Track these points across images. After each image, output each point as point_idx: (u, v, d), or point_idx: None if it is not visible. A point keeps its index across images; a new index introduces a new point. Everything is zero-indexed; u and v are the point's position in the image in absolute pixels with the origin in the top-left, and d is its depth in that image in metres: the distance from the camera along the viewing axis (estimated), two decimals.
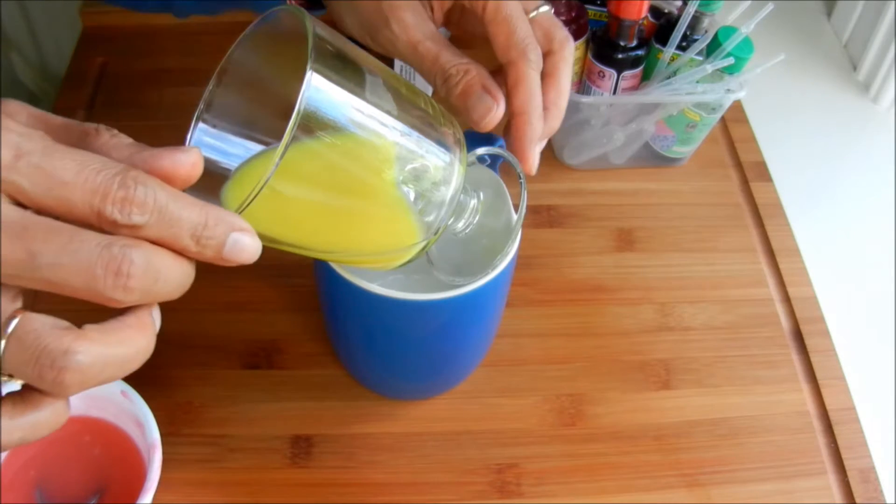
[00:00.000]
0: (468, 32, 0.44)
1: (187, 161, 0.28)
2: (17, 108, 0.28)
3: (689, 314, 0.58)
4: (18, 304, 0.27)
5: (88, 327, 0.27)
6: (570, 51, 0.41)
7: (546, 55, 0.41)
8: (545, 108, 0.40)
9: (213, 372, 0.52)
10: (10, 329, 0.26)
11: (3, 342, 0.26)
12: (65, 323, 0.27)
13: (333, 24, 0.44)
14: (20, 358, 0.26)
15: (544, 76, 0.41)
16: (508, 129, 0.40)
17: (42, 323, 0.26)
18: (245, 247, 0.28)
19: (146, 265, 0.26)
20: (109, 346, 0.27)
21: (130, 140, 0.29)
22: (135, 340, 0.29)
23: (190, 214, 0.27)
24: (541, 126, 0.40)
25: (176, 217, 0.27)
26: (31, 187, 0.25)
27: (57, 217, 0.26)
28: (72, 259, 0.25)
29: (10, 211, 0.25)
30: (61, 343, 0.26)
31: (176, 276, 0.28)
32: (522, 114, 0.39)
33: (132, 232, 0.26)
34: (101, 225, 0.26)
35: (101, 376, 0.27)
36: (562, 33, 0.41)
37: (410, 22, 0.40)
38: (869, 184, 0.73)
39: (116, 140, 0.28)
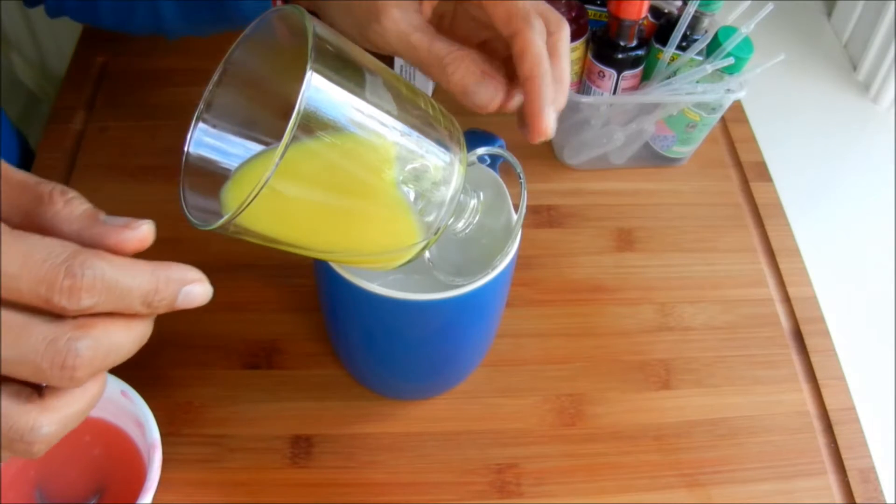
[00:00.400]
0: (461, 35, 0.45)
1: (134, 238, 0.28)
2: None
3: (689, 314, 0.58)
4: None
5: (48, 395, 0.28)
6: (566, 32, 0.41)
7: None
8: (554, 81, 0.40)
9: (213, 372, 0.52)
10: None
11: None
12: (26, 391, 0.28)
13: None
14: None
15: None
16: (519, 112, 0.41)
17: (6, 399, 0.27)
18: (196, 296, 0.30)
19: (93, 351, 0.27)
20: (71, 406, 0.29)
21: (84, 209, 0.29)
22: (91, 390, 0.30)
23: (140, 284, 0.28)
24: (552, 89, 0.39)
25: (126, 290, 0.27)
26: None
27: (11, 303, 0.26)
28: (18, 355, 0.26)
29: None
30: (27, 420, 0.27)
31: (130, 342, 0.29)
32: (533, 78, 0.39)
33: (83, 311, 0.27)
34: (51, 310, 0.27)
35: (68, 428, 0.29)
36: (556, 15, 0.41)
37: (399, 16, 0.40)
38: (869, 184, 0.73)
39: (68, 211, 0.28)
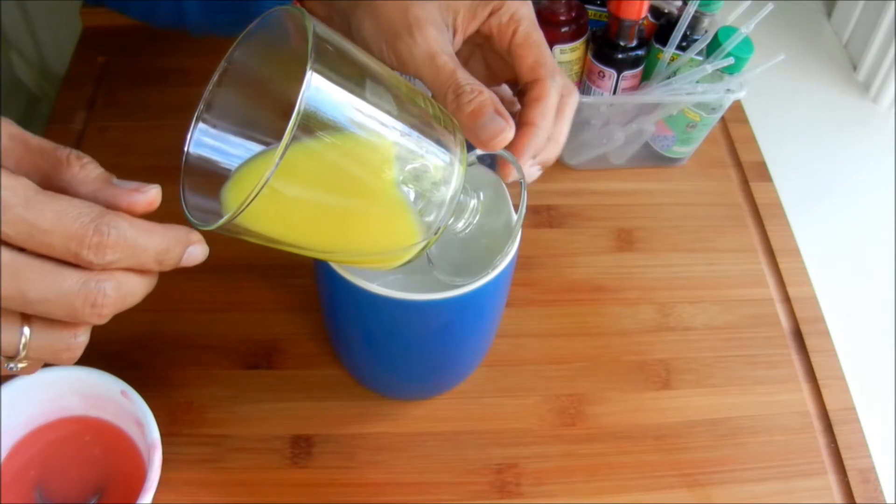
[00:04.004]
0: (484, 70, 0.45)
1: (144, 200, 0.32)
2: None
3: (689, 314, 0.58)
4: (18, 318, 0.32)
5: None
6: (576, 100, 0.43)
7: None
8: (549, 138, 0.41)
9: (213, 372, 0.52)
10: (25, 333, 0.32)
11: (27, 331, 0.32)
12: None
13: (346, 31, 0.44)
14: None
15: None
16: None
17: (43, 324, 0.32)
18: (196, 256, 0.34)
19: (117, 292, 0.31)
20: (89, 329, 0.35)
21: (98, 172, 0.32)
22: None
23: (156, 244, 0.32)
24: (544, 143, 0.41)
25: (143, 248, 0.31)
26: (16, 235, 0.29)
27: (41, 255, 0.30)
28: (55, 295, 0.30)
29: (4, 254, 0.29)
30: (69, 331, 0.33)
31: (142, 290, 0.33)
32: (531, 125, 0.40)
33: (106, 266, 0.31)
34: (78, 264, 0.30)
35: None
36: (571, 83, 0.43)
37: (434, 34, 0.40)
38: (869, 184, 0.73)
39: (84, 174, 0.32)
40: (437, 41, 0.40)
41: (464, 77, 0.39)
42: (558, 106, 0.42)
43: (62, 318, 0.31)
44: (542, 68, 0.41)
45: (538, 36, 0.42)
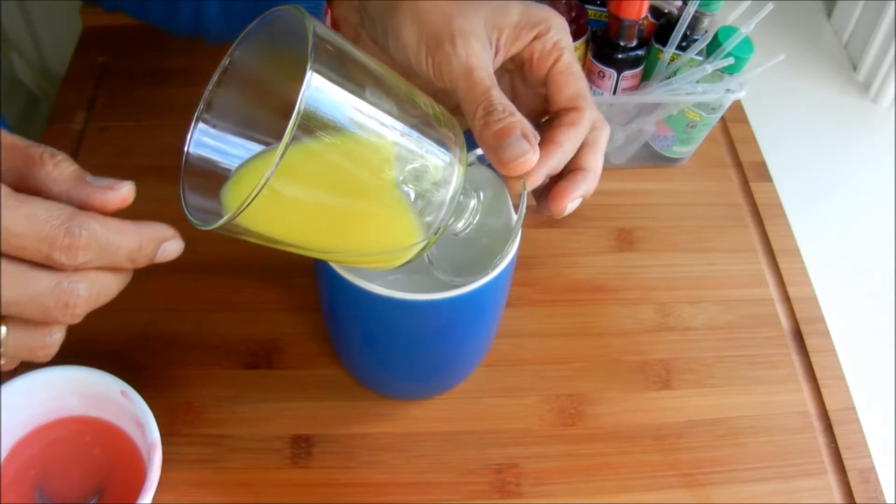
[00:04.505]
0: (509, 97, 0.45)
1: (116, 197, 0.32)
2: None
3: (689, 314, 0.58)
4: None
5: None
6: (608, 132, 0.43)
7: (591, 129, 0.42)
8: (585, 170, 0.41)
9: (213, 372, 0.52)
10: (1, 332, 0.32)
11: (3, 329, 0.32)
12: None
13: (379, 35, 0.44)
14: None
15: (587, 144, 0.42)
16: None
17: (19, 324, 0.33)
18: (171, 252, 0.34)
19: (90, 292, 0.32)
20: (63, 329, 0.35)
21: (71, 170, 0.32)
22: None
23: (128, 243, 0.32)
24: (559, 164, 0.41)
25: (115, 248, 0.32)
26: None
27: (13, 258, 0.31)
28: (28, 297, 0.31)
29: None
30: (44, 330, 0.33)
31: (116, 288, 0.34)
32: (556, 143, 0.40)
33: (78, 267, 0.31)
34: (51, 265, 0.31)
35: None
36: (602, 117, 0.43)
37: (477, 49, 0.40)
38: (869, 184, 0.73)
39: (57, 172, 0.32)
40: (478, 56, 0.40)
41: (498, 96, 0.39)
42: (593, 138, 0.42)
43: (36, 319, 0.32)
44: (581, 100, 0.41)
45: (579, 68, 0.42)
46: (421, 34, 0.41)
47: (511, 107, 0.39)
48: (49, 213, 0.30)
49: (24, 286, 0.31)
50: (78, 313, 0.32)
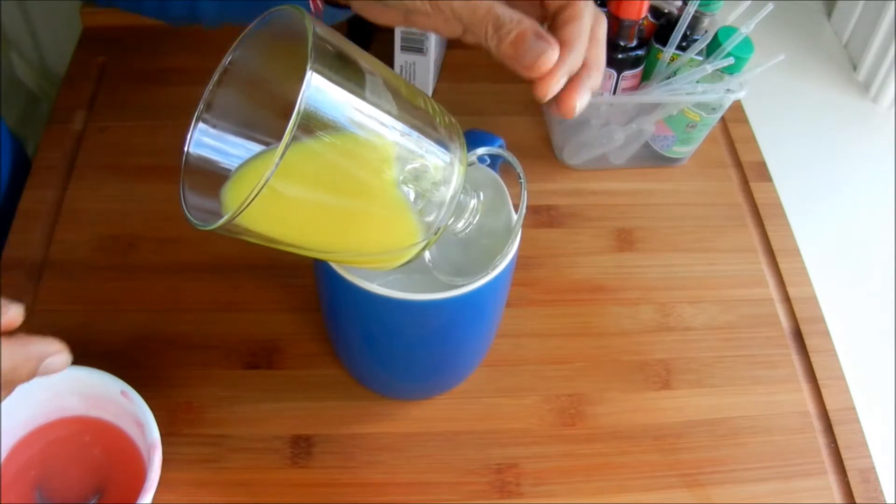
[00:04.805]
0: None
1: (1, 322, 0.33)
2: None
3: (689, 314, 0.58)
4: None
5: None
6: (605, 22, 0.42)
7: None
8: (588, 65, 0.41)
9: (213, 372, 0.52)
10: None
11: None
12: None
13: None
14: None
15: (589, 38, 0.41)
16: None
17: None
18: (55, 366, 0.34)
19: None
20: None
21: None
22: None
23: (3, 364, 0.32)
24: (577, 63, 0.40)
25: None
26: None
27: None
28: None
29: None
30: None
31: None
32: (567, 43, 0.39)
33: None
34: None
35: None
36: (597, 8, 0.42)
37: None
38: (869, 184, 0.73)
39: None
40: None
41: (501, 10, 0.39)
42: (592, 32, 0.41)
43: None
44: None
45: None
46: None
47: (518, 14, 0.39)
48: None
49: None
50: None
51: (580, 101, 0.40)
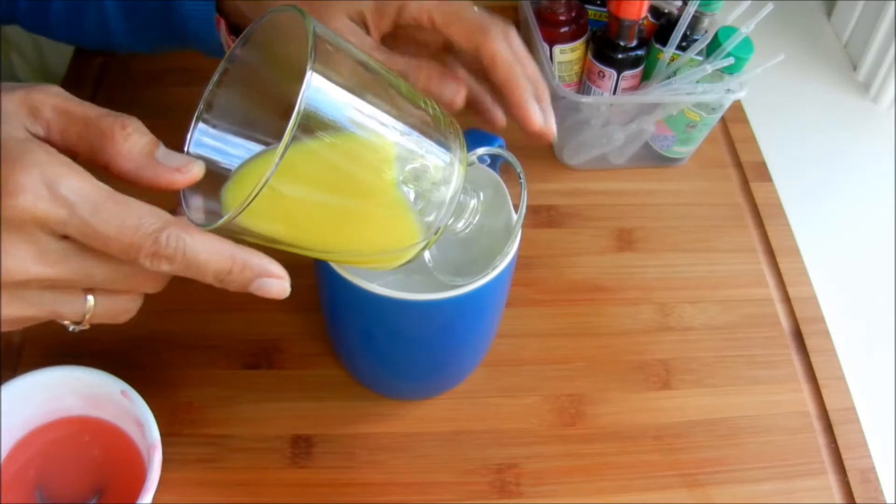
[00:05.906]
0: (415, 48, 0.46)
1: (183, 179, 0.33)
2: (42, 100, 0.32)
3: (689, 314, 0.58)
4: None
5: None
6: (515, 32, 0.43)
7: None
8: (512, 85, 0.42)
9: (213, 372, 0.52)
10: (90, 301, 0.34)
11: (91, 299, 0.34)
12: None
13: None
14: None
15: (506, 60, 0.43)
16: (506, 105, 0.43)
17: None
18: (271, 290, 0.34)
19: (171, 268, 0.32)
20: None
21: (141, 145, 0.33)
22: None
23: (217, 261, 0.32)
24: (530, 86, 0.42)
25: (203, 264, 0.32)
26: (80, 237, 0.31)
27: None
28: (118, 275, 0.33)
29: (71, 250, 0.32)
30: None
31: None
32: (510, 80, 0.41)
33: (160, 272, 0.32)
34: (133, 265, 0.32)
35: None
36: (501, 20, 0.43)
37: (346, 31, 0.42)
38: (869, 184, 0.73)
39: (127, 147, 0.32)
40: (352, 35, 0.42)
41: (400, 61, 0.41)
42: (511, 49, 0.43)
43: (123, 290, 0.34)
44: (474, 33, 0.42)
45: (454, 6, 0.43)
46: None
47: (417, 62, 0.41)
48: (141, 220, 0.31)
49: (115, 270, 0.32)
50: (168, 273, 0.33)
51: (538, 114, 0.42)
